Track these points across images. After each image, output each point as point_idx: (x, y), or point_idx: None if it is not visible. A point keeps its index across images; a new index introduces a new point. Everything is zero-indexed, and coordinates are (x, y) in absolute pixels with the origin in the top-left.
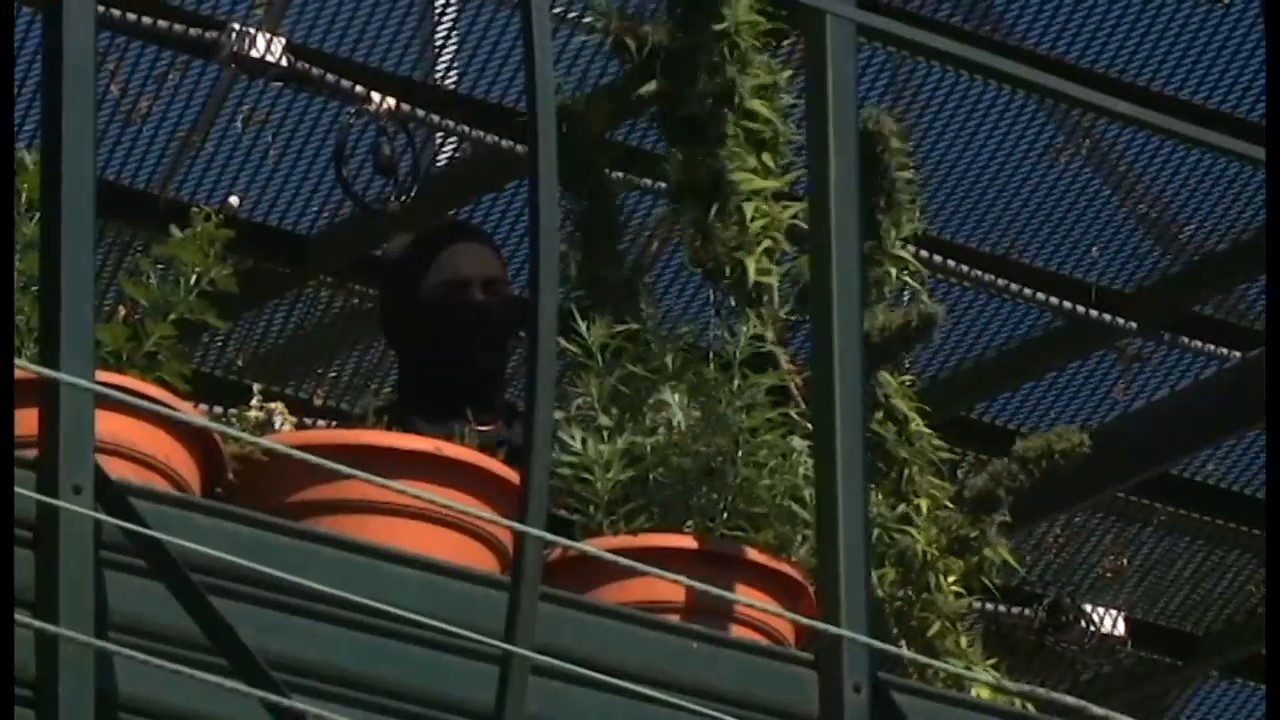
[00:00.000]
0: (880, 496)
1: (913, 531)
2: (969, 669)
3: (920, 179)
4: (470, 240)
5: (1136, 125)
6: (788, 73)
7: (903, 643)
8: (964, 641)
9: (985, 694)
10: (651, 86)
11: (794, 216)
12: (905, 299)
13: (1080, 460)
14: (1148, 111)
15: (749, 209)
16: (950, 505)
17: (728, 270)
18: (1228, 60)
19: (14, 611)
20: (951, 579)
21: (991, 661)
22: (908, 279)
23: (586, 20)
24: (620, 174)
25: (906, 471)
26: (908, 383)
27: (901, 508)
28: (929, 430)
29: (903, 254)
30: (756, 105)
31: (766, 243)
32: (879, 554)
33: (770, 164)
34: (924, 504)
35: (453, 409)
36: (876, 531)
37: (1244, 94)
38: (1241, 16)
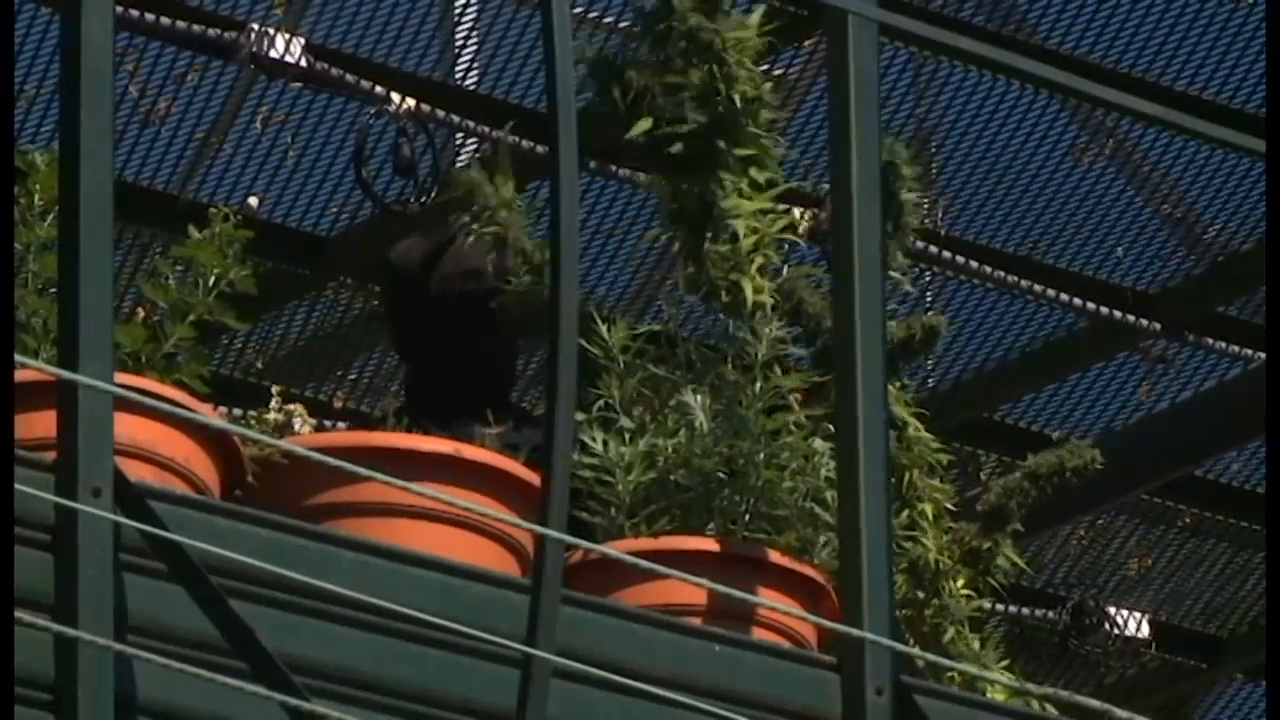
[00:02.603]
0: None
1: (924, 540)
2: (984, 670)
3: (943, 180)
4: (454, 237)
5: (1160, 125)
6: (768, 85)
7: (917, 649)
8: (976, 644)
9: (1000, 696)
10: (644, 126)
11: (783, 230)
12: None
13: (1093, 475)
14: (1172, 111)
15: (740, 226)
16: (953, 509)
17: (723, 293)
18: (1252, 60)
19: (14, 611)
20: (960, 582)
21: (1003, 664)
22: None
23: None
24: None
25: (907, 476)
26: (903, 387)
27: (906, 514)
28: (927, 435)
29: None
30: (754, 130)
31: (759, 260)
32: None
33: (759, 179)
34: (929, 509)
35: (460, 411)
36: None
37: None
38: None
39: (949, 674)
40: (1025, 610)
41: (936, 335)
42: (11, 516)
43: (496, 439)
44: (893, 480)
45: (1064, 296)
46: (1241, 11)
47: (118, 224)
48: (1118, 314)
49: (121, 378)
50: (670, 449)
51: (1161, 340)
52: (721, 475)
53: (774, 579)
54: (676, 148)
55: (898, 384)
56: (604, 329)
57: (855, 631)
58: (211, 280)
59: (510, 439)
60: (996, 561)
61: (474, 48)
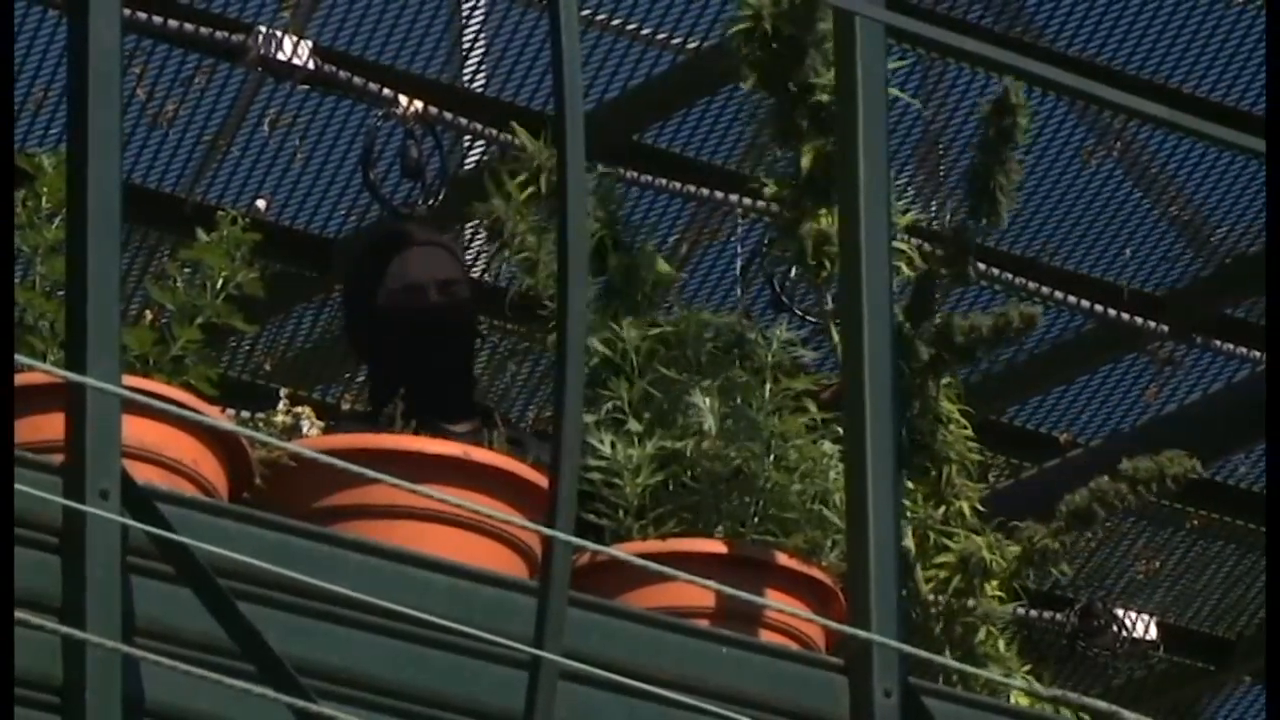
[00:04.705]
0: (920, 499)
1: (977, 538)
2: (1008, 674)
3: (950, 182)
4: (423, 243)
5: (1168, 128)
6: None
7: (946, 648)
8: (1002, 646)
9: (1024, 700)
10: (809, 74)
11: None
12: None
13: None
14: (1179, 114)
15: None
16: (982, 509)
17: (828, 265)
18: (1260, 63)
19: (22, 614)
20: (993, 583)
21: (1027, 667)
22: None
23: (738, 11)
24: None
25: (946, 471)
26: (950, 384)
27: (943, 510)
28: (967, 433)
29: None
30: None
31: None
32: (928, 556)
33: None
34: (965, 506)
35: (425, 414)
36: (931, 536)
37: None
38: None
39: (957, 674)
40: (1033, 612)
41: (1034, 324)
42: (11, 522)
43: (502, 438)
44: (931, 474)
45: (1071, 299)
46: (1249, 13)
47: (125, 226)
48: (1125, 316)
49: (129, 380)
50: (681, 451)
51: (1169, 342)
52: (732, 476)
53: (782, 581)
54: (824, 96)
55: (946, 380)
56: (615, 330)
57: (863, 634)
58: (219, 283)
59: (481, 439)
60: (1061, 566)
61: (481, 50)
